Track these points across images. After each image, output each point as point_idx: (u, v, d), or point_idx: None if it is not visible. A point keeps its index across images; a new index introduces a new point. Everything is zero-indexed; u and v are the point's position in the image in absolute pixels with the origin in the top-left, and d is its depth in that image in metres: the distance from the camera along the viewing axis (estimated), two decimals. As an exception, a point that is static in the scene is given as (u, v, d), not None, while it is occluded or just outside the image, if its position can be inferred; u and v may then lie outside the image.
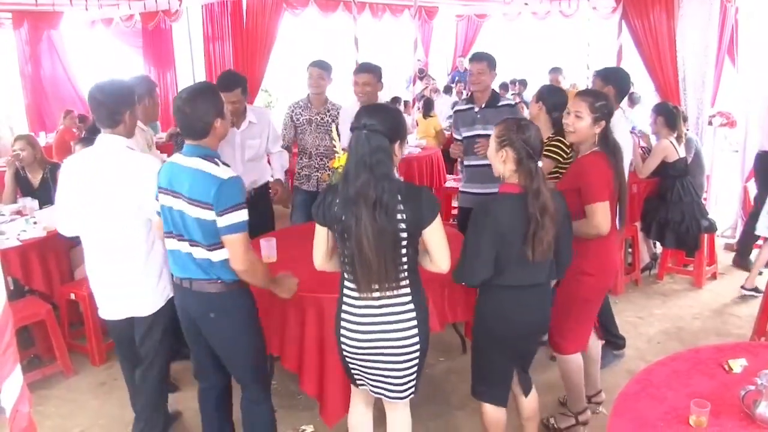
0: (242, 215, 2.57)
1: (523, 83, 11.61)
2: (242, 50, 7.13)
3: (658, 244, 5.65)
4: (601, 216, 3.00)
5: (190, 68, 8.97)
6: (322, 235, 2.52)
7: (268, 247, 3.53)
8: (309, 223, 3.29)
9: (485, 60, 4.38)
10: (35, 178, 5.22)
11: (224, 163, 2.63)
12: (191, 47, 8.73)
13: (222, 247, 2.60)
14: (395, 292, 2.44)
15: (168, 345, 3.22)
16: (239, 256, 2.58)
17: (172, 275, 2.83)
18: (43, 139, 8.79)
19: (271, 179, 4.72)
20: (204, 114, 2.60)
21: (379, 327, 2.46)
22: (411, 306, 2.47)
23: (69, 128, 7.96)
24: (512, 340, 2.79)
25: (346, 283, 2.51)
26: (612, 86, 3.95)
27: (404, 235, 2.37)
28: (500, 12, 11.50)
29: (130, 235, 2.97)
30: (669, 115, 5.15)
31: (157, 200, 2.71)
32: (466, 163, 4.58)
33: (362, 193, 2.31)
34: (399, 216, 2.34)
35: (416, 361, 2.53)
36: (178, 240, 2.68)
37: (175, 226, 2.65)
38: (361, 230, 2.31)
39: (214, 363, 2.93)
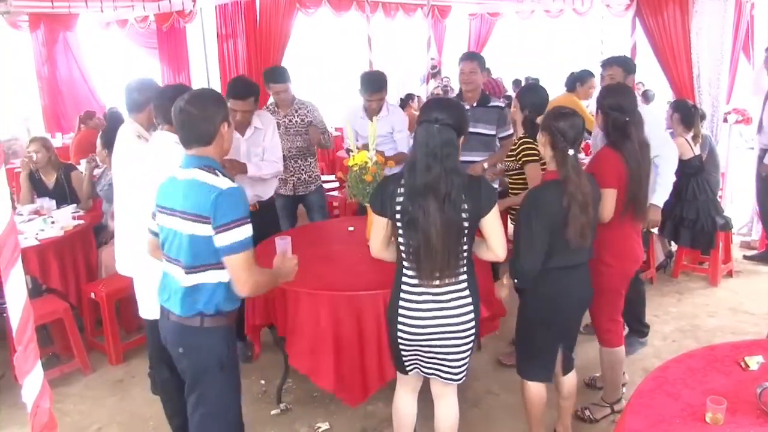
0: (245, 231, 2.33)
1: (536, 81, 11.58)
2: (256, 50, 7.15)
3: (673, 241, 5.62)
4: (606, 203, 3.10)
5: (204, 68, 9.03)
6: (380, 224, 2.58)
7: (284, 244, 3.53)
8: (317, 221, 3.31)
9: (476, 60, 4.59)
10: (49, 180, 5.29)
11: (226, 175, 2.42)
12: (205, 47, 8.77)
13: (213, 269, 2.40)
14: (454, 280, 2.51)
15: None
16: (243, 281, 2.36)
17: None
18: (60, 141, 8.88)
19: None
20: (212, 114, 2.40)
21: (439, 313, 2.54)
22: (467, 293, 2.56)
23: (93, 131, 7.92)
24: (557, 319, 2.95)
25: (406, 272, 2.56)
26: (617, 67, 4.08)
27: (466, 225, 2.45)
28: (513, 10, 11.46)
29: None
30: (686, 113, 5.13)
31: (154, 219, 2.58)
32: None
33: (432, 185, 2.37)
34: (463, 208, 2.42)
35: (472, 344, 2.63)
36: (168, 261, 2.52)
37: (169, 247, 2.48)
38: (429, 222, 2.37)
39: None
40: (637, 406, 2.19)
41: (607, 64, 4.19)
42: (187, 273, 2.41)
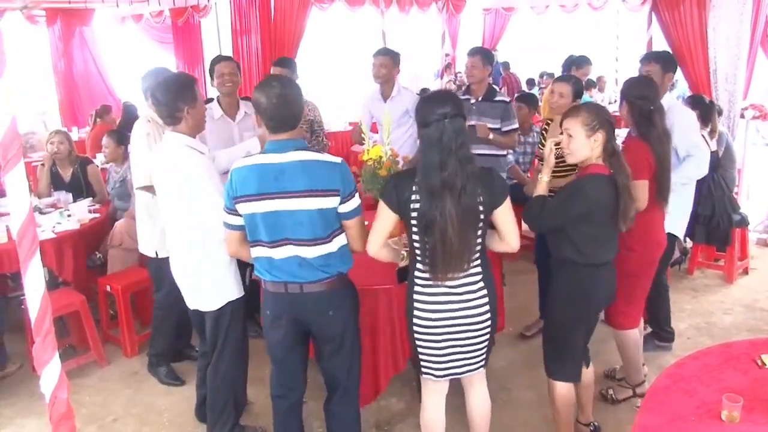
0: (358, 196, 2.61)
1: (551, 77, 11.52)
2: (270, 45, 7.15)
3: (688, 238, 5.57)
4: (640, 193, 3.14)
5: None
6: (388, 221, 2.56)
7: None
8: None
9: (478, 54, 4.63)
10: (66, 174, 5.33)
11: None
12: (220, 42, 8.81)
13: (338, 234, 2.60)
14: (469, 272, 2.51)
15: (237, 341, 3.23)
16: (361, 238, 2.65)
17: (253, 280, 2.71)
18: (76, 134, 8.95)
19: None
20: (300, 100, 2.59)
21: (455, 306, 2.54)
22: (481, 284, 2.56)
23: (110, 125, 8.00)
24: (590, 315, 3.01)
25: (419, 266, 2.57)
26: (655, 63, 3.95)
27: (482, 216, 2.46)
28: (528, 5, 11.40)
29: (187, 231, 3.02)
30: (704, 109, 5.09)
31: (230, 212, 2.60)
32: None
33: (448, 182, 2.36)
34: (478, 198, 2.43)
35: (488, 335, 2.64)
36: (278, 246, 2.57)
37: (276, 230, 2.54)
38: (446, 219, 2.36)
39: (303, 374, 2.91)
40: (653, 403, 2.18)
41: (646, 59, 4.11)
42: (323, 243, 2.56)
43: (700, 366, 2.40)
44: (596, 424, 3.31)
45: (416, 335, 2.62)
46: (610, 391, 3.65)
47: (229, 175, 2.59)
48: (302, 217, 2.50)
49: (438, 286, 2.53)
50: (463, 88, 5.03)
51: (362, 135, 3.63)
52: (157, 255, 3.83)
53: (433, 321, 2.56)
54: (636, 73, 4.14)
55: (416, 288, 2.59)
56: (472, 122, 4.51)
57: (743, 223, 5.21)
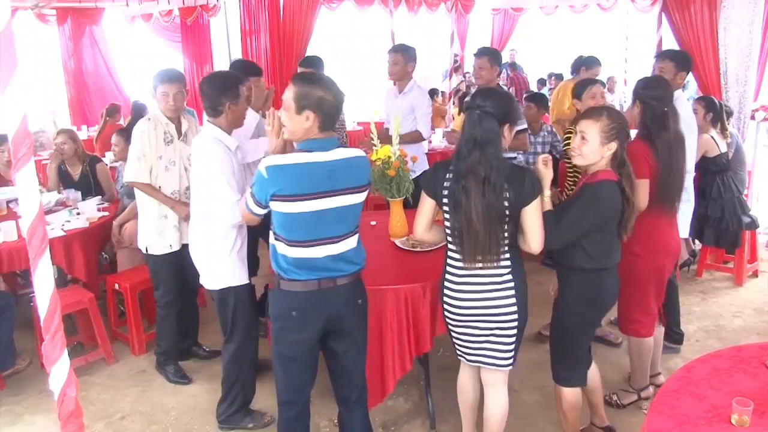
0: None
1: (559, 78, 11.48)
2: (279, 45, 7.17)
3: (697, 240, 5.55)
4: (641, 192, 3.09)
5: (228, 63, 9.06)
6: (428, 206, 2.72)
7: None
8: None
9: (486, 55, 4.62)
10: (75, 172, 5.36)
11: None
12: (229, 42, 8.83)
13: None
14: (496, 265, 2.58)
15: (246, 329, 3.37)
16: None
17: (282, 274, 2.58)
18: (85, 133, 8.99)
19: None
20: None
21: (479, 296, 2.63)
22: (509, 277, 2.61)
23: (119, 124, 8.06)
24: (599, 318, 3.04)
25: (451, 254, 2.67)
26: (669, 61, 3.96)
27: (507, 212, 2.52)
28: (537, 5, 11.37)
29: (207, 225, 3.17)
30: (716, 112, 5.06)
31: (260, 205, 2.50)
32: None
33: (472, 169, 2.47)
34: (504, 194, 2.49)
35: (515, 332, 2.69)
36: (316, 245, 2.50)
37: (318, 228, 2.48)
38: (470, 204, 2.47)
39: (315, 375, 2.81)
40: (662, 406, 2.17)
41: (660, 57, 4.12)
42: (353, 236, 2.60)
43: (709, 369, 2.38)
44: (612, 427, 3.28)
45: (447, 319, 2.78)
46: (614, 397, 3.62)
47: (262, 171, 2.43)
48: (347, 213, 2.54)
49: (466, 275, 2.62)
50: (473, 89, 5.03)
51: (372, 139, 3.62)
52: (147, 250, 3.93)
53: (460, 308, 2.66)
54: (646, 73, 4.13)
55: (447, 275, 2.71)
56: None
57: (753, 225, 5.17)
